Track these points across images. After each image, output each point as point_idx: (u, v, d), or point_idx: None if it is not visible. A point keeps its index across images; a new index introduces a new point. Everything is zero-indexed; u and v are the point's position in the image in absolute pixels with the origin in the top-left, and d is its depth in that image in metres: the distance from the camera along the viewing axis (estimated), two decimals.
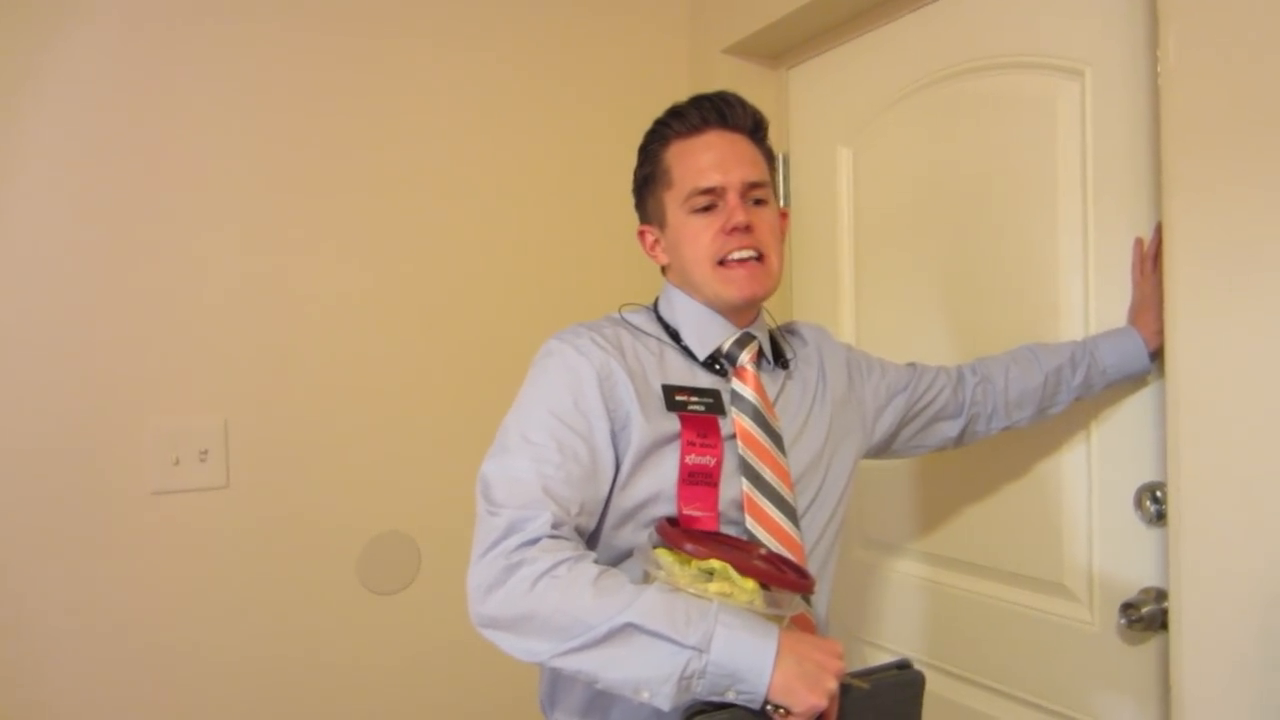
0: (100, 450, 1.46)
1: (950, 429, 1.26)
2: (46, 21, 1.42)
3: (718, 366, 1.06)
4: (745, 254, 1.02)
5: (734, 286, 1.03)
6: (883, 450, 1.25)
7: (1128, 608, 1.20)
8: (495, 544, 0.88)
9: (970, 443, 1.30)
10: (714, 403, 1.02)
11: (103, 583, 1.45)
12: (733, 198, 1.02)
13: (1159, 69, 1.12)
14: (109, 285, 1.47)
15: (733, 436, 1.02)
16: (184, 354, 1.52)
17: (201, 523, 1.53)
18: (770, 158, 1.10)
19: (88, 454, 1.45)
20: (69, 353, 1.44)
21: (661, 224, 1.09)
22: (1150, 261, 1.21)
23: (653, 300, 1.15)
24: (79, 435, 1.44)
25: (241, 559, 1.56)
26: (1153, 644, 1.22)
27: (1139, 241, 1.24)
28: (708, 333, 1.07)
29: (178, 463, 1.51)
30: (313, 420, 1.62)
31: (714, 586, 0.86)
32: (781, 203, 1.72)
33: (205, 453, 1.53)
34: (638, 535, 0.98)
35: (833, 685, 0.82)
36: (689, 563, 0.88)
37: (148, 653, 1.48)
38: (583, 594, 0.83)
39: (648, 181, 1.10)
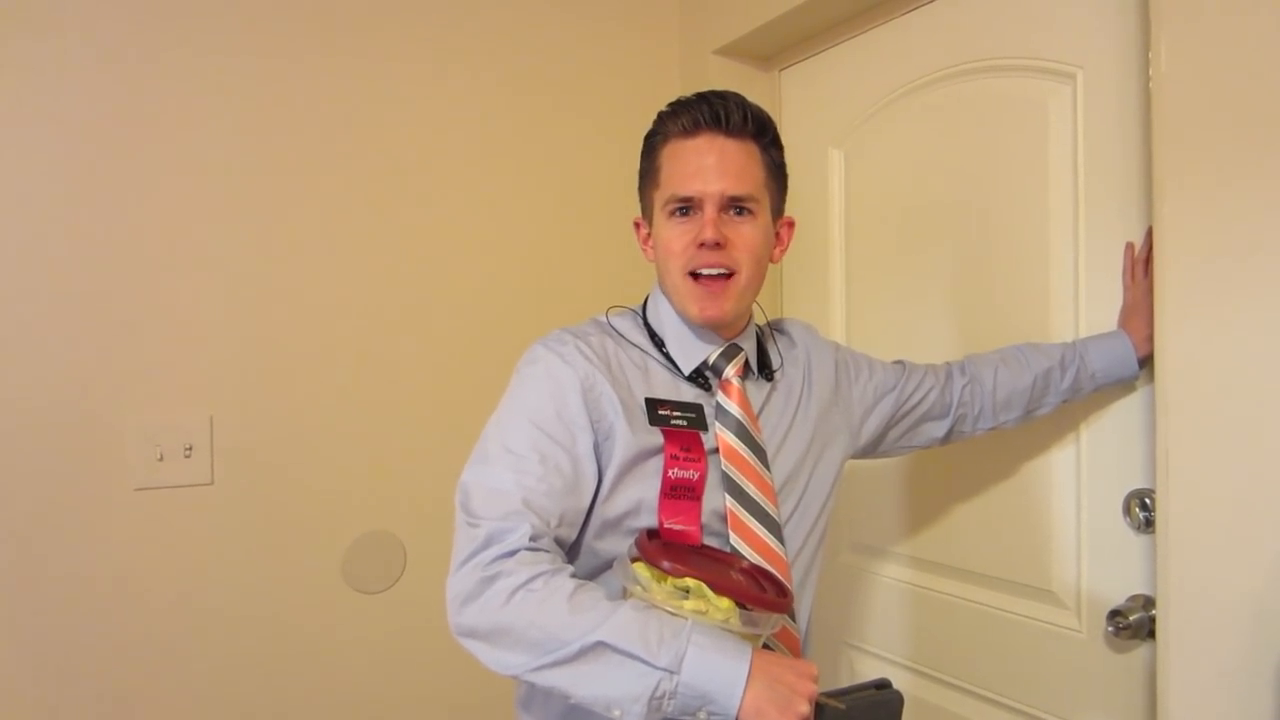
0: (83, 445, 1.44)
1: (937, 429, 1.25)
2: (39, 17, 1.41)
3: (702, 379, 1.05)
4: (714, 271, 1.00)
5: (695, 306, 1.01)
6: (870, 451, 1.24)
7: (1115, 615, 1.19)
8: (473, 555, 0.88)
9: (957, 441, 1.29)
10: (696, 417, 1.00)
11: (84, 579, 1.44)
12: (710, 210, 0.99)
13: (1150, 73, 1.12)
14: (93, 279, 1.46)
15: (715, 450, 1.01)
16: (169, 349, 1.51)
17: (185, 520, 1.51)
18: (775, 163, 1.07)
19: (70, 449, 1.44)
20: (52, 346, 1.43)
21: (650, 221, 1.08)
22: (1141, 266, 1.21)
23: (642, 300, 1.13)
24: (61, 430, 1.43)
25: (226, 557, 1.55)
26: (1140, 652, 1.22)
27: (1130, 246, 1.23)
28: (693, 346, 1.06)
29: (161, 459, 1.49)
30: (299, 417, 1.61)
31: (689, 604, 0.84)
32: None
33: (190, 449, 1.52)
34: (621, 544, 0.97)
35: (804, 708, 0.81)
36: (665, 579, 0.87)
37: (130, 650, 1.47)
38: (557, 609, 0.83)
39: (643, 176, 1.09)
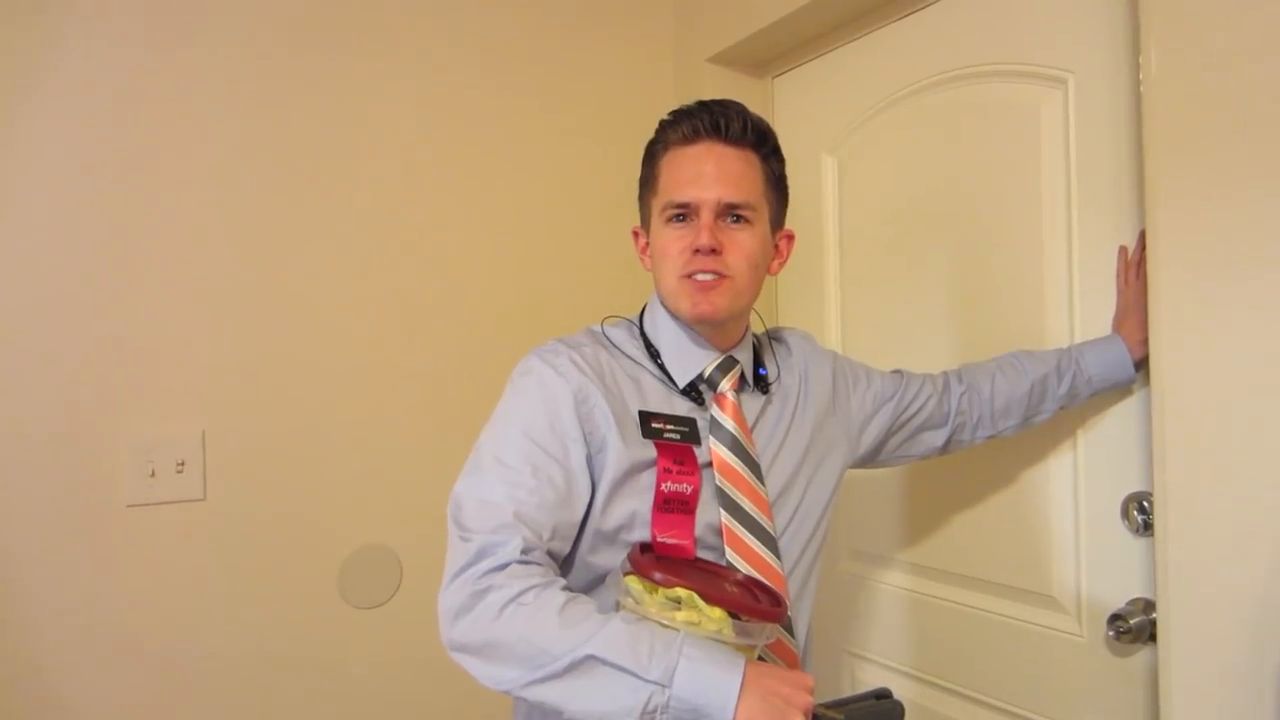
0: (74, 461, 1.43)
1: (936, 438, 1.25)
2: (42, 29, 1.41)
3: (695, 393, 1.05)
4: (707, 276, 0.99)
5: (687, 302, 1.00)
6: (869, 460, 1.24)
7: (1116, 619, 1.19)
8: (465, 568, 0.87)
9: (956, 451, 1.29)
10: (689, 431, 1.00)
11: (76, 598, 1.43)
12: (706, 216, 0.99)
13: (1141, 76, 1.12)
14: (84, 292, 1.45)
15: (709, 464, 1.00)
16: (161, 362, 1.50)
17: (178, 536, 1.50)
18: (775, 174, 1.06)
19: (61, 465, 1.42)
20: (42, 360, 1.42)
21: (648, 228, 1.08)
22: (1134, 269, 1.21)
23: (639, 309, 1.12)
24: (52, 446, 1.42)
25: (219, 573, 1.53)
26: (1141, 656, 1.21)
27: (1123, 249, 1.23)
28: (688, 358, 1.05)
29: (154, 474, 1.48)
30: (293, 431, 1.60)
31: (681, 615, 0.83)
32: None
33: (182, 464, 1.50)
34: (615, 558, 0.97)
35: None
36: (657, 590, 0.86)
37: (122, 669, 1.46)
38: (548, 623, 0.82)
39: (643, 183, 1.09)
